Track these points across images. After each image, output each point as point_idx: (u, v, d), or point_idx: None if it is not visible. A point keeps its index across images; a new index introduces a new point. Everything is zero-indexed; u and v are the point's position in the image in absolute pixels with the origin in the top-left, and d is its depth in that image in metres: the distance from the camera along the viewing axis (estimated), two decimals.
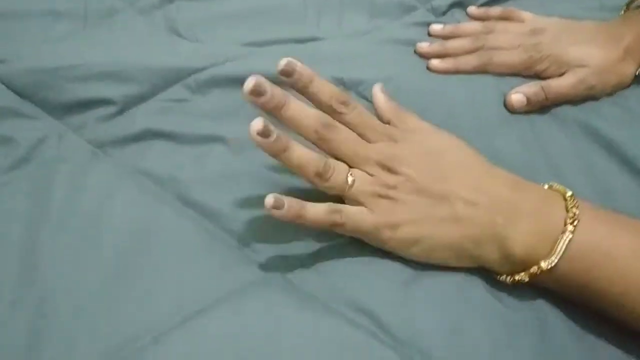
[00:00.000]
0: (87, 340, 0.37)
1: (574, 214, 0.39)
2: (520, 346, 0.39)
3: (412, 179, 0.42)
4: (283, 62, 0.43)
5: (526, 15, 0.62)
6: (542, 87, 0.54)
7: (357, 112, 0.44)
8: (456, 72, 0.57)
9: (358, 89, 0.54)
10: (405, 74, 0.56)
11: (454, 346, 0.39)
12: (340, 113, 0.44)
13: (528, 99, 0.54)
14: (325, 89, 0.44)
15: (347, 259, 0.43)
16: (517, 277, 0.40)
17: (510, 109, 0.54)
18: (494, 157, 0.47)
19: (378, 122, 0.46)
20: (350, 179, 0.42)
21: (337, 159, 0.43)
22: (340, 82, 0.54)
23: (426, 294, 0.41)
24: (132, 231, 0.43)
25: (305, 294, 0.41)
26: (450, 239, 0.41)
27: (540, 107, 0.54)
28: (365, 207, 0.42)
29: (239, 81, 0.51)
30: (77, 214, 0.44)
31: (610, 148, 0.50)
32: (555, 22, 0.60)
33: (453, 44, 0.59)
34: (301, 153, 0.41)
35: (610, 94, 0.56)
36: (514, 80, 0.56)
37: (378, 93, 0.48)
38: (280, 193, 0.40)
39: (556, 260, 0.39)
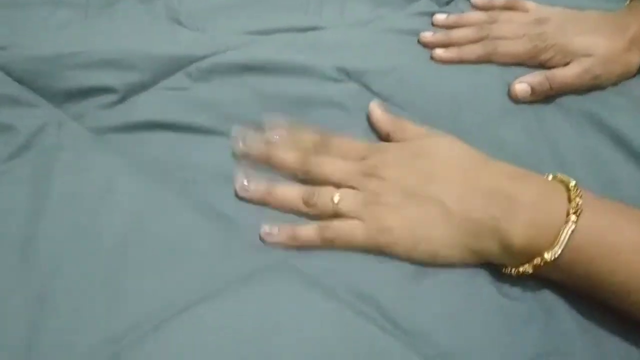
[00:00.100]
0: (88, 329, 0.37)
1: (577, 204, 0.39)
2: (525, 337, 0.39)
3: (398, 182, 0.43)
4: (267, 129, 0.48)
5: (530, 4, 0.61)
6: (547, 77, 0.54)
7: (336, 143, 0.47)
8: (460, 61, 0.57)
9: (361, 79, 0.53)
10: (408, 64, 0.56)
11: (458, 336, 0.38)
12: (324, 151, 0.46)
13: (532, 89, 0.53)
14: (305, 138, 0.47)
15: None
16: (521, 269, 0.40)
17: (515, 99, 0.54)
18: (499, 148, 0.47)
19: (362, 143, 0.47)
20: (336, 198, 0.43)
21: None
22: (344, 72, 0.53)
23: (431, 285, 0.41)
24: (133, 219, 0.42)
25: (309, 280, 0.40)
26: (449, 237, 0.41)
27: (544, 97, 0.54)
28: (358, 220, 0.42)
29: (241, 69, 0.52)
30: (77, 202, 0.43)
31: (616, 138, 0.50)
32: (559, 11, 0.59)
33: (457, 34, 0.59)
34: (284, 189, 0.45)
35: (615, 83, 0.55)
36: (518, 70, 0.56)
37: (374, 109, 0.50)
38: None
39: (559, 251, 0.38)
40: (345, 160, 0.45)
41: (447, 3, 0.65)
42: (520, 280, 0.41)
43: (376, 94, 0.52)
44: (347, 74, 0.53)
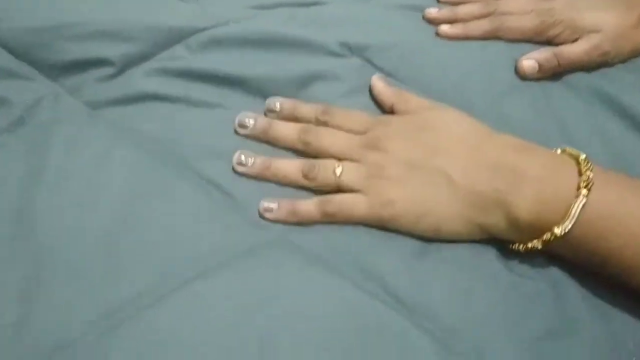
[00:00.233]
0: (84, 302, 0.36)
1: (588, 177, 0.38)
2: (533, 314, 0.38)
3: (402, 154, 0.42)
4: (267, 104, 0.47)
5: None
6: (555, 53, 0.53)
7: (339, 113, 0.46)
8: (466, 38, 0.55)
9: (364, 54, 0.52)
10: (412, 39, 0.54)
11: (464, 313, 0.38)
12: (325, 121, 0.45)
13: (540, 65, 0.52)
14: (307, 108, 0.46)
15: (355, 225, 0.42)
16: (529, 245, 0.39)
17: (522, 76, 0.52)
18: (505, 124, 0.46)
19: (365, 114, 0.46)
20: (338, 171, 0.42)
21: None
22: (346, 47, 0.52)
23: (437, 262, 0.40)
24: (130, 193, 0.41)
25: (309, 255, 0.39)
26: (454, 210, 0.40)
27: (552, 73, 0.53)
28: (360, 193, 0.41)
29: (241, 43, 0.50)
30: (74, 175, 0.42)
31: (625, 114, 0.49)
32: None
33: (463, 10, 0.57)
34: (283, 164, 0.44)
35: (624, 61, 0.54)
36: (526, 46, 0.54)
37: (376, 82, 0.49)
38: None
39: (570, 226, 0.37)
40: (347, 132, 0.44)
41: None
42: (528, 257, 0.40)
43: (379, 69, 0.51)
44: (350, 49, 0.52)
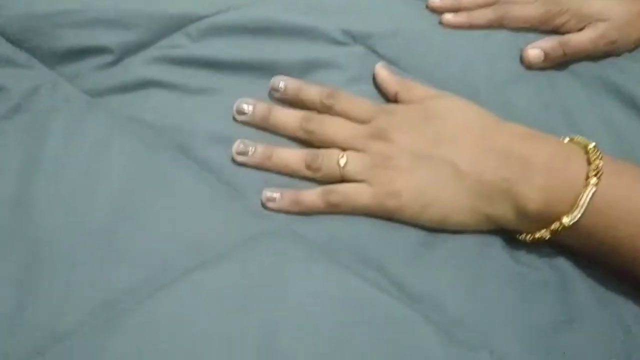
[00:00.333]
0: (82, 292, 0.36)
1: (598, 166, 0.37)
2: (539, 305, 0.38)
3: (408, 144, 0.41)
4: (272, 82, 0.46)
5: None
6: (560, 42, 0.52)
7: (344, 98, 0.45)
8: (470, 27, 0.55)
9: (367, 42, 0.51)
10: (416, 27, 0.54)
11: (470, 304, 0.37)
12: (330, 106, 0.44)
13: (546, 54, 0.51)
14: (312, 91, 0.45)
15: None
16: (537, 235, 0.39)
17: (527, 65, 0.52)
18: (510, 114, 0.45)
19: (369, 103, 0.45)
20: (342, 161, 0.41)
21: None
22: (349, 35, 0.51)
23: (443, 252, 0.40)
24: (129, 182, 0.41)
25: (312, 245, 0.39)
26: (460, 200, 0.40)
27: (558, 62, 0.52)
28: (365, 183, 0.41)
29: (242, 30, 0.49)
30: (71, 164, 0.42)
31: (632, 104, 0.48)
32: None
33: None
34: (285, 153, 0.43)
35: (630, 50, 0.54)
36: (531, 35, 0.54)
37: (380, 70, 0.48)
38: None
39: (579, 215, 0.37)
40: (350, 121, 0.44)
41: None
42: (535, 247, 0.40)
43: (382, 57, 0.50)
44: (353, 37, 0.51)
